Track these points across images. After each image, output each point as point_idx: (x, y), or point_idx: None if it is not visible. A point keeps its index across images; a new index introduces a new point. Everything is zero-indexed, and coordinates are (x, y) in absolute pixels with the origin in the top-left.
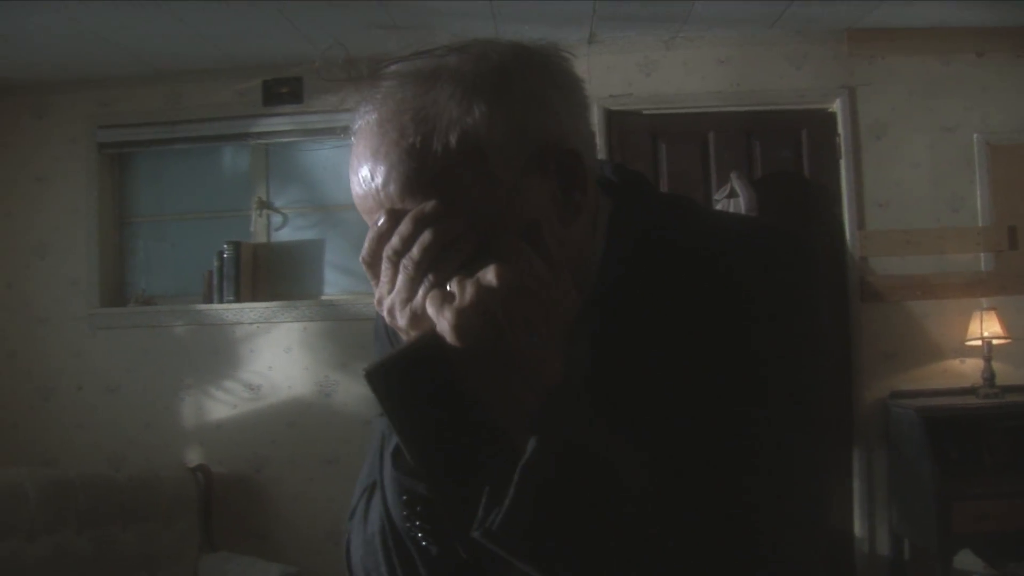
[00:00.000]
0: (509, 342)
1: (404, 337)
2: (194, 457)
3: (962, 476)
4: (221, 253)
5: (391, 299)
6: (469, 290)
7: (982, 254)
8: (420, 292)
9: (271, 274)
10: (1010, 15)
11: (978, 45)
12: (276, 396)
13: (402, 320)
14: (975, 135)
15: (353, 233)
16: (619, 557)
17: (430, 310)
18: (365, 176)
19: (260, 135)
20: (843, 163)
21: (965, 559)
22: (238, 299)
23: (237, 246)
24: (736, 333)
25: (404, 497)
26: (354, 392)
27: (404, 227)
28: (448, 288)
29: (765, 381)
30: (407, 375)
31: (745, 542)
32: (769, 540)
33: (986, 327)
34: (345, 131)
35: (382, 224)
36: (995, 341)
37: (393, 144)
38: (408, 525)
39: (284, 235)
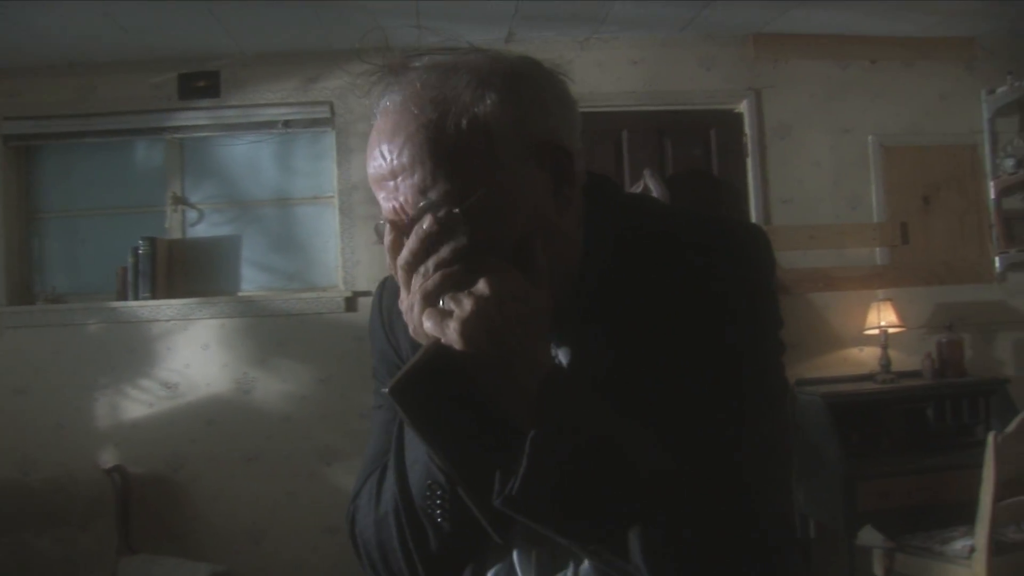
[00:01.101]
0: (507, 342)
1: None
2: (110, 458)
3: (864, 457)
4: (136, 249)
5: (408, 301)
6: (467, 302)
7: (878, 249)
8: (416, 310)
9: (187, 270)
10: (900, 26)
11: (872, 53)
12: (194, 394)
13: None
14: (870, 137)
15: (269, 228)
16: (627, 513)
17: (429, 325)
18: (383, 149)
19: (176, 129)
20: (750, 161)
21: (865, 535)
22: (154, 296)
23: (152, 242)
24: (713, 321)
25: (428, 481)
26: (273, 388)
27: (413, 242)
28: (441, 304)
29: (741, 362)
30: (424, 387)
31: (741, 500)
32: (760, 497)
33: (882, 317)
34: (264, 127)
35: (389, 236)
36: (891, 330)
37: (412, 118)
38: (428, 504)
39: (200, 231)
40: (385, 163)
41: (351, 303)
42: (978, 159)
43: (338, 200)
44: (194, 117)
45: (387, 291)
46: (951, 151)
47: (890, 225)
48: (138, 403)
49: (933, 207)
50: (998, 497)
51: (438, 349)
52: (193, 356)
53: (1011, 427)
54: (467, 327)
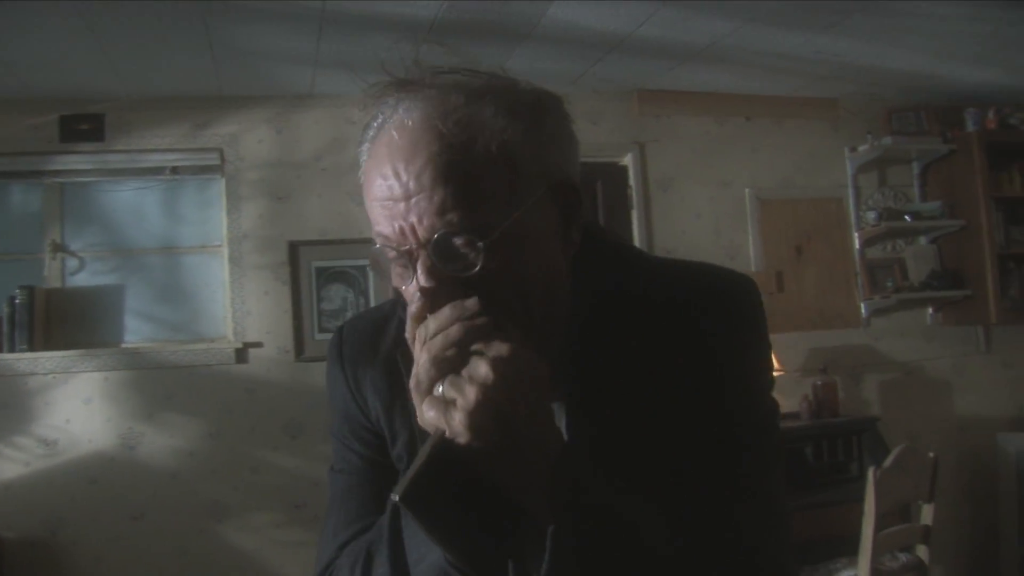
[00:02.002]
0: (517, 430)
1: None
2: None
3: None
4: (12, 299)
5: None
6: (470, 390)
7: None
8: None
9: (68, 321)
10: (772, 86)
11: (747, 110)
12: (75, 451)
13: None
14: (747, 190)
15: (155, 278)
16: None
17: (430, 415)
18: (398, 167)
19: (56, 173)
20: (634, 213)
21: None
22: (31, 348)
23: (30, 291)
24: (706, 373)
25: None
26: (160, 444)
27: (440, 321)
28: (439, 390)
29: (737, 415)
30: (432, 486)
31: (748, 563)
32: (766, 557)
33: None
34: (150, 172)
35: (417, 307)
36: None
37: (437, 136)
38: None
39: (81, 280)
40: (398, 183)
41: (241, 354)
42: (844, 211)
43: (227, 249)
44: (76, 161)
45: (348, 342)
46: (820, 204)
47: (766, 274)
48: (12, 462)
49: (805, 256)
50: (878, 528)
51: (442, 443)
52: (74, 411)
53: (888, 462)
54: (472, 419)
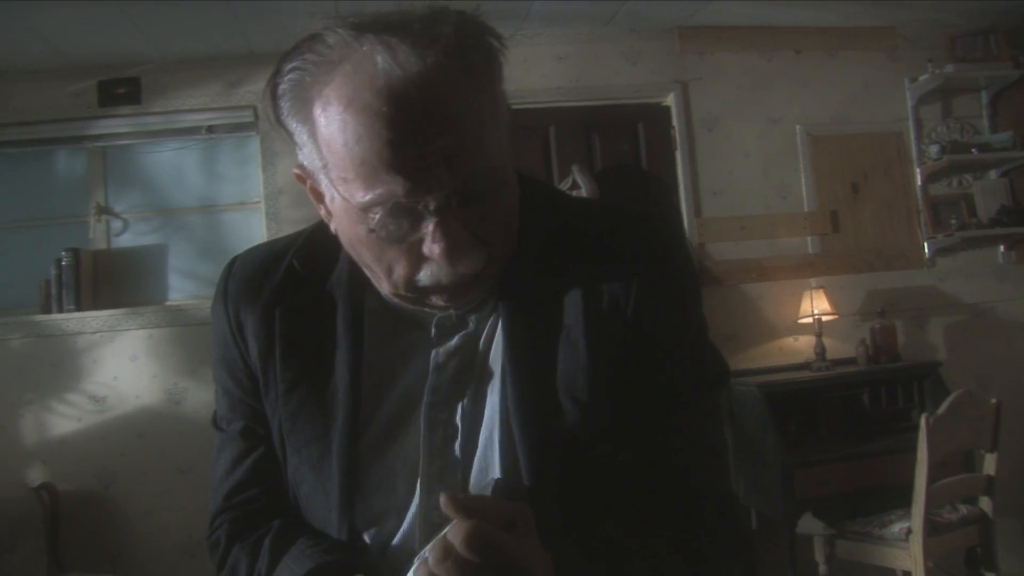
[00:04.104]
0: None
1: None
2: (37, 476)
3: (802, 445)
4: (59, 261)
5: None
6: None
7: (809, 237)
8: None
9: (113, 281)
10: (823, 16)
11: (796, 43)
12: (123, 407)
13: None
14: (797, 126)
15: (196, 236)
16: None
17: None
18: (412, 115)
19: (97, 138)
20: (678, 154)
21: (806, 523)
22: (79, 308)
23: (76, 253)
24: (643, 308)
25: None
26: (205, 398)
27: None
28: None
29: (674, 346)
30: None
31: (692, 474)
32: (708, 470)
33: (815, 305)
34: (187, 133)
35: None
36: (824, 318)
37: (448, 79)
38: None
39: (125, 241)
40: (417, 130)
41: None
42: (904, 146)
43: (264, 205)
44: (115, 125)
45: (234, 278)
46: (878, 139)
47: (820, 214)
48: (65, 418)
49: (862, 195)
50: (932, 478)
51: None
52: (121, 368)
53: (942, 408)
54: None
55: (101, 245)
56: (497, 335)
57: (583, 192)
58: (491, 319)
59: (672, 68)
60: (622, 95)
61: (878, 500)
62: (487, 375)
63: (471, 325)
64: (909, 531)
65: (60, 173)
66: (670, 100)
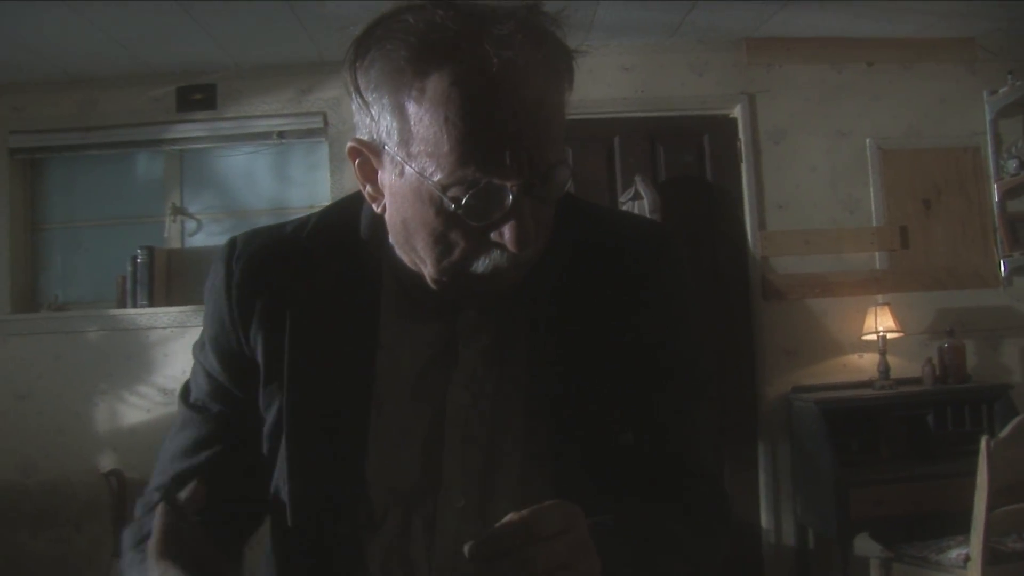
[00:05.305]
0: None
1: None
2: (107, 463)
3: (860, 465)
4: (135, 258)
5: None
6: None
7: (876, 253)
8: None
9: (185, 279)
10: (897, 27)
11: (868, 55)
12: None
13: None
14: (868, 140)
15: None
16: None
17: None
18: (515, 102)
19: (174, 141)
20: (744, 167)
21: (863, 545)
22: (152, 304)
23: (151, 251)
24: (647, 314)
25: None
26: None
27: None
28: None
29: (675, 348)
30: None
31: (678, 456)
32: (693, 450)
33: (880, 322)
34: (259, 138)
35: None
36: (889, 336)
37: (547, 68)
38: None
39: (198, 240)
40: (518, 115)
41: None
42: (980, 161)
43: None
44: (192, 129)
45: (240, 264)
46: (952, 153)
47: (889, 229)
48: (136, 409)
49: (934, 210)
50: (992, 504)
51: None
52: (189, 363)
53: (1005, 432)
54: None
55: (175, 244)
56: (517, 330)
57: (646, 203)
58: (514, 314)
59: (739, 80)
60: (688, 106)
61: (939, 524)
62: (510, 367)
63: (492, 321)
64: (967, 558)
65: (139, 175)
66: (736, 112)
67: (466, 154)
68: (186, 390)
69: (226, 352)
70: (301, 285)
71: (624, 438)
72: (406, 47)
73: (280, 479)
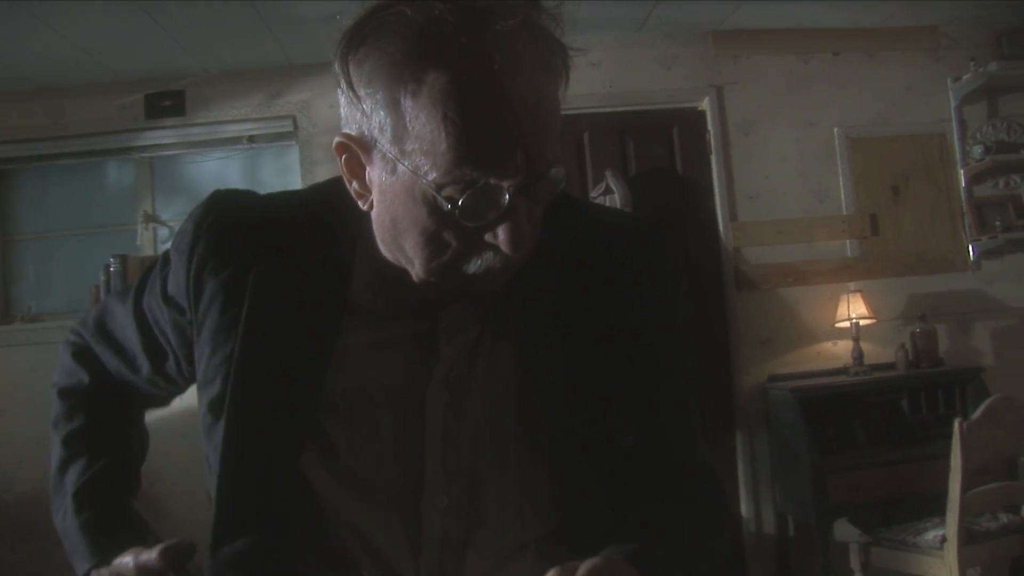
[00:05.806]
0: None
1: None
2: None
3: (837, 451)
4: (108, 267)
5: None
6: None
7: (847, 241)
8: None
9: None
10: (862, 17)
11: (834, 45)
12: (167, 408)
13: None
14: (836, 129)
15: None
16: None
17: None
18: (515, 98)
19: (144, 148)
20: (714, 159)
21: (842, 530)
22: None
23: (124, 260)
24: (640, 310)
25: None
26: None
27: None
28: None
29: (669, 343)
30: None
31: (676, 450)
32: (689, 444)
33: (853, 309)
34: (230, 143)
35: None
36: (862, 322)
37: (547, 68)
38: None
39: None
40: (519, 113)
41: None
42: (947, 147)
43: None
44: (161, 136)
45: (215, 231)
46: (919, 140)
47: (859, 217)
48: None
49: (903, 197)
50: (967, 485)
51: None
52: None
53: (977, 413)
54: None
55: (148, 252)
56: (505, 328)
57: (617, 197)
58: (504, 312)
59: (707, 72)
60: (656, 100)
61: (916, 507)
62: (498, 365)
63: (476, 317)
64: (943, 539)
65: (110, 183)
66: (705, 104)
67: (464, 153)
68: (97, 319)
69: (172, 310)
70: (269, 262)
71: (624, 438)
72: (403, 41)
73: (213, 464)
